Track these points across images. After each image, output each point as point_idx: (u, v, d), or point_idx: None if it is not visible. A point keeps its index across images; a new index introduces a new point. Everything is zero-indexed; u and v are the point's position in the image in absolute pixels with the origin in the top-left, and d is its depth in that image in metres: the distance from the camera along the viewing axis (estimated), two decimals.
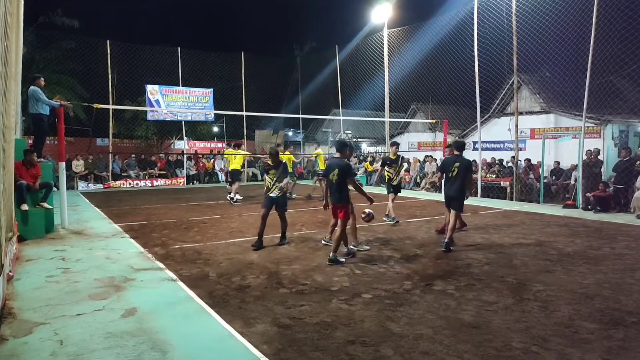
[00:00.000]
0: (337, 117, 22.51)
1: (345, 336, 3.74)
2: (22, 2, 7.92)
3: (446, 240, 6.92)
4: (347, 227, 6.44)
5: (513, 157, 14.20)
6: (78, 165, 18.50)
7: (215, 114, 22.57)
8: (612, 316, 4.20)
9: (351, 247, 6.64)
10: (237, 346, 3.58)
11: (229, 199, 12.77)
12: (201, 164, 21.44)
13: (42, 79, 9.13)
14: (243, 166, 13.09)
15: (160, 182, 19.81)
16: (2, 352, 3.43)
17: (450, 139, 16.34)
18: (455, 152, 7.38)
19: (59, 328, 3.88)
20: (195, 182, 20.84)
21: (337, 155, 6.41)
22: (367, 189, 18.49)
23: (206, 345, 3.61)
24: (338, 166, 6.20)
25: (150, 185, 19.47)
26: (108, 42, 19.92)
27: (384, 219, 9.44)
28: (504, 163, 15.57)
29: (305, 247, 7.16)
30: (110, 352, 3.44)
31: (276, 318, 4.14)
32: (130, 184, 19.13)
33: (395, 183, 9.67)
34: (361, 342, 3.64)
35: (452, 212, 7.13)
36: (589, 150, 12.10)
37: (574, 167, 12.92)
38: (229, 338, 3.73)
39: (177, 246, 7.23)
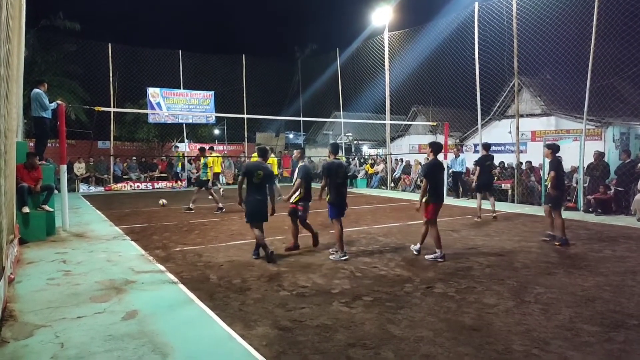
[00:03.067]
0: (338, 120, 22.50)
1: (345, 339, 3.74)
2: (24, 5, 7.96)
3: (561, 237, 7.48)
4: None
5: (521, 162, 14.13)
6: (79, 168, 18.53)
7: (216, 117, 22.59)
8: (613, 319, 4.19)
9: None
10: (237, 349, 3.58)
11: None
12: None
13: (46, 83, 9.17)
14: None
15: (161, 185, 19.83)
16: (3, 354, 3.44)
17: (450, 142, 16.37)
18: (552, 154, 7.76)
19: (60, 331, 3.88)
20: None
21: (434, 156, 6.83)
22: (367, 191, 18.45)
23: (207, 348, 3.61)
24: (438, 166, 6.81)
25: (151, 187, 19.49)
26: (109, 45, 19.98)
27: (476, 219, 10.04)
28: (505, 165, 15.57)
29: (306, 249, 7.14)
30: (111, 354, 3.44)
31: (277, 320, 4.14)
32: (131, 186, 19.15)
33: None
34: (362, 344, 3.64)
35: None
36: (596, 151, 12.04)
37: (575, 169, 12.90)
38: (229, 340, 3.73)
39: (177, 249, 7.23)
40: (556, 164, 7.65)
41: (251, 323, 4.08)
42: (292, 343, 3.66)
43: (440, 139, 17.47)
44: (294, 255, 6.73)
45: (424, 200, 6.63)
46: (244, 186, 6.45)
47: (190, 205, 11.73)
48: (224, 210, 11.48)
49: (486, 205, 10.63)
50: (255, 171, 6.39)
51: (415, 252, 6.80)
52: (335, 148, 7.09)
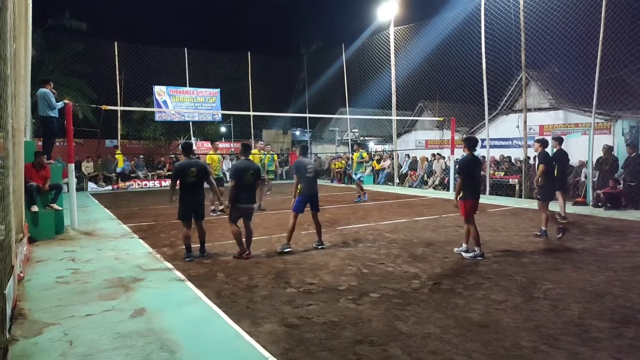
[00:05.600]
0: (344, 116, 22.47)
1: (353, 336, 3.74)
2: (31, 5, 7.99)
3: (543, 229, 7.65)
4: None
5: (529, 157, 13.93)
6: (87, 167, 18.66)
7: (222, 114, 22.66)
8: (623, 314, 4.15)
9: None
10: (244, 346, 3.59)
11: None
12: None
13: (51, 82, 9.23)
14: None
15: (168, 183, 19.89)
16: (13, 352, 3.47)
17: (457, 137, 16.28)
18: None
19: (69, 328, 3.91)
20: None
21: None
22: (374, 187, 18.37)
23: (214, 345, 3.62)
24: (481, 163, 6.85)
25: (158, 185, 19.58)
26: (116, 43, 20.10)
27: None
28: (513, 160, 15.45)
29: (312, 246, 7.14)
30: (119, 352, 3.47)
31: (284, 318, 4.14)
32: (138, 184, 19.26)
33: None
34: (369, 341, 3.63)
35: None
36: (605, 145, 11.91)
37: (583, 164, 12.79)
38: (236, 338, 3.74)
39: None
40: (543, 157, 7.75)
41: (258, 320, 4.09)
42: (299, 340, 3.66)
43: (447, 134, 17.40)
44: (300, 253, 6.73)
45: (458, 197, 6.52)
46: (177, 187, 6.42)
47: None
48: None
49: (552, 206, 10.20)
50: (188, 169, 6.32)
51: (464, 255, 6.42)
52: (304, 150, 7.27)
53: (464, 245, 6.60)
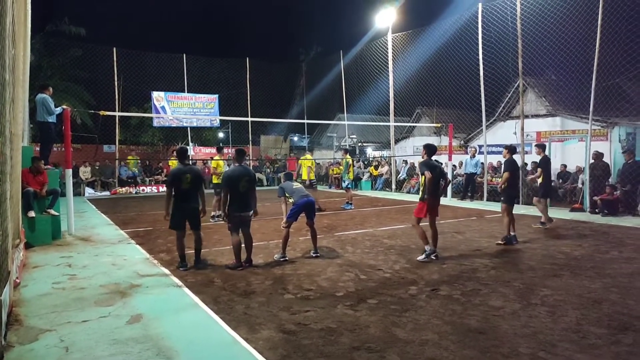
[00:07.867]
0: (342, 122, 22.51)
1: (350, 342, 3.73)
2: (30, 11, 8.01)
3: (507, 235, 7.63)
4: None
5: (526, 163, 14.04)
6: (85, 172, 18.63)
7: (220, 120, 22.68)
8: (621, 321, 4.15)
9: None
10: (242, 352, 3.57)
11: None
12: (207, 170, 21.48)
13: (51, 88, 9.23)
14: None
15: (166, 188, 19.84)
16: (9, 358, 3.45)
17: (455, 143, 16.31)
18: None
19: (65, 335, 3.89)
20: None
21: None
22: (372, 193, 18.37)
23: (211, 352, 3.61)
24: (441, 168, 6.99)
25: (156, 191, 19.53)
26: (114, 49, 20.12)
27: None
28: None
29: (310, 252, 7.12)
30: (116, 358, 3.45)
31: (281, 324, 4.13)
32: (136, 190, 19.21)
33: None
34: (366, 348, 3.62)
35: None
36: (595, 152, 12.00)
37: (580, 170, 12.83)
38: (234, 344, 3.73)
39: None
40: (509, 164, 7.98)
41: (256, 327, 4.07)
42: (297, 346, 3.65)
43: (445, 140, 17.44)
44: (298, 259, 6.72)
45: (419, 199, 6.73)
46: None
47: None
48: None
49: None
50: (183, 175, 6.09)
51: (419, 258, 6.54)
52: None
53: (427, 247, 6.66)
